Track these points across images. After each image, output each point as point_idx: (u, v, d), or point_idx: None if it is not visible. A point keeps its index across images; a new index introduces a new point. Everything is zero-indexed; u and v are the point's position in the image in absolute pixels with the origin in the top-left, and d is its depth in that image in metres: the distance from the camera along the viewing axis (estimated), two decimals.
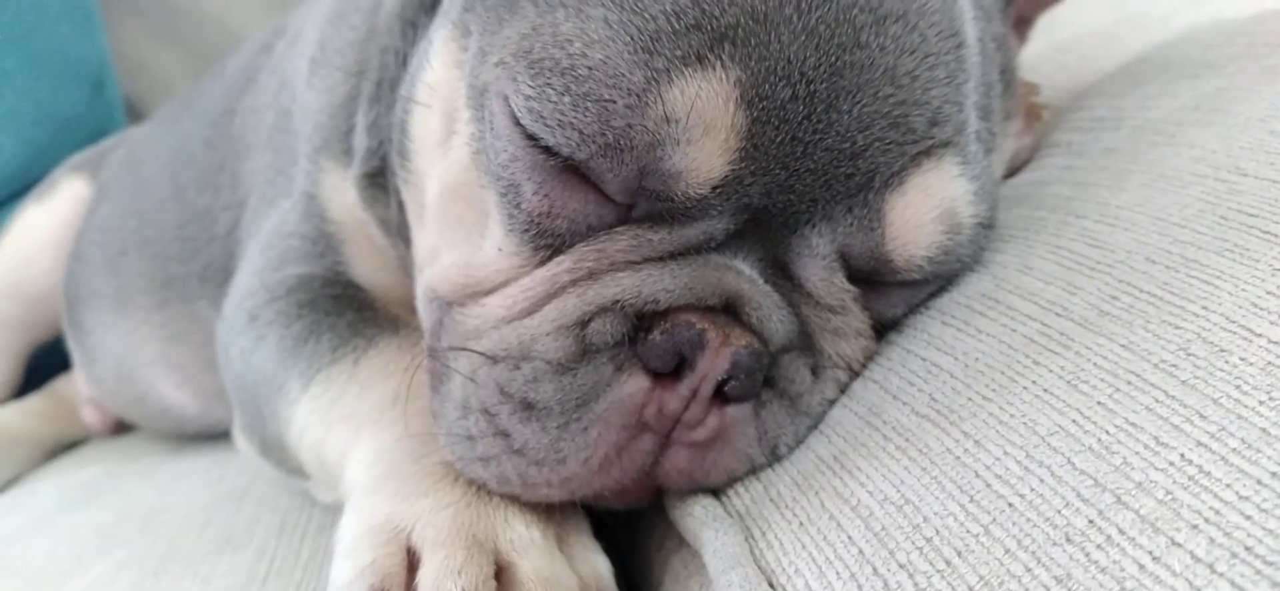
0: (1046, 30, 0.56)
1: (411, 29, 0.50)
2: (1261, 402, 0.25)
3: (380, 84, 0.51)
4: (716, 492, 0.38)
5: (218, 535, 0.55)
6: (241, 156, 0.67)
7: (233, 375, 0.55)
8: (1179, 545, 0.23)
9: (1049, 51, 0.63)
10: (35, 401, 1.02)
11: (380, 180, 0.51)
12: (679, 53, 0.34)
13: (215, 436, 0.79)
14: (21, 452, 0.94)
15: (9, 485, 0.91)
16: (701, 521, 0.36)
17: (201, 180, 0.71)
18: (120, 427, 0.98)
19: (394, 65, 0.50)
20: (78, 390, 0.98)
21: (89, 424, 0.98)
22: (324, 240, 0.54)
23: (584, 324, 0.35)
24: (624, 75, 0.34)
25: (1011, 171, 0.50)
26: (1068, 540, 0.25)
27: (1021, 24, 0.52)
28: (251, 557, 0.51)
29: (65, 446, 1.00)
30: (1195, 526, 0.23)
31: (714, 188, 0.35)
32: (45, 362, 1.03)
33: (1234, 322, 0.29)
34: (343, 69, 0.55)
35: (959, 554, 0.27)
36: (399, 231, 0.50)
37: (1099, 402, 0.29)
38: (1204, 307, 0.30)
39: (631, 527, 0.44)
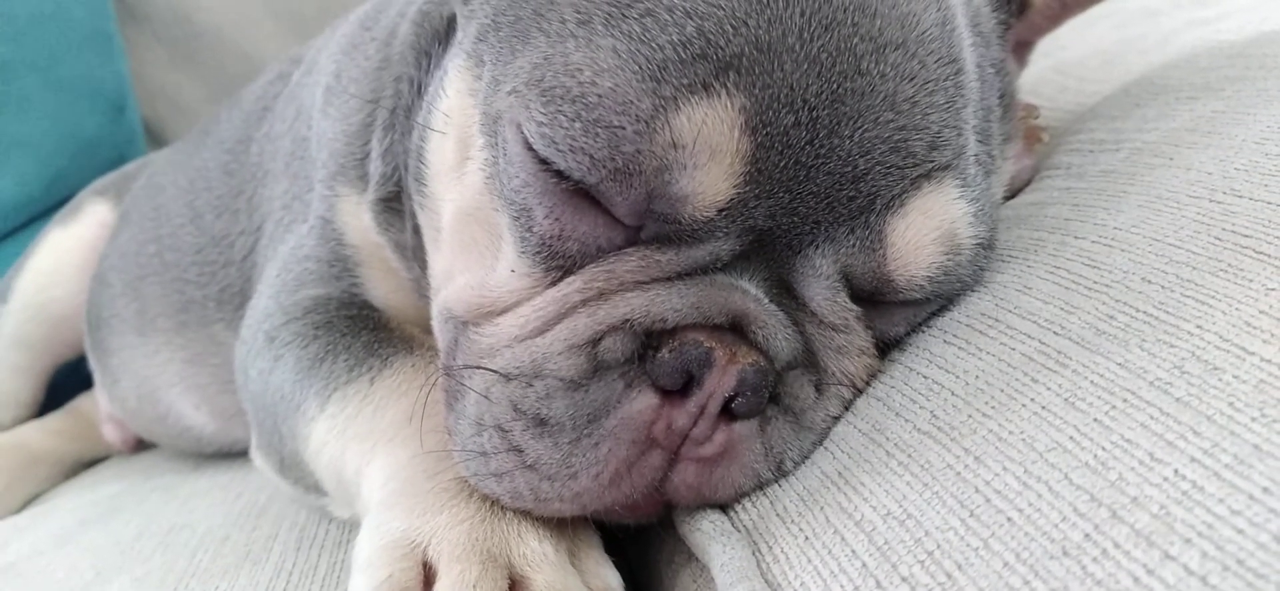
0: (1046, 54, 0.57)
1: (425, 58, 0.52)
2: (1254, 419, 0.26)
3: (395, 112, 0.53)
4: (724, 507, 0.38)
5: (236, 550, 0.56)
6: (259, 183, 0.69)
7: (251, 395, 0.56)
8: (1173, 558, 0.24)
9: (1049, 74, 0.64)
10: (56, 419, 1.03)
11: (395, 205, 0.52)
12: (686, 81, 0.35)
13: (234, 455, 0.80)
14: (43, 470, 0.96)
15: (30, 502, 0.92)
16: (710, 536, 0.36)
17: (219, 206, 0.73)
18: (140, 445, 1.00)
19: (408, 93, 0.52)
20: (98, 408, 1.00)
21: (109, 441, 1.00)
22: (340, 263, 0.55)
23: (595, 342, 0.36)
24: (633, 103, 0.35)
25: (1012, 193, 0.50)
26: (1065, 553, 0.26)
27: (1021, 48, 0.53)
28: (270, 572, 0.52)
29: (86, 464, 1.01)
30: (1189, 540, 0.24)
31: (720, 210, 0.36)
32: (66, 381, 1.05)
33: (1228, 341, 0.29)
34: (358, 97, 0.56)
35: (959, 567, 0.28)
36: (414, 254, 0.51)
37: (1095, 419, 0.29)
38: (1199, 327, 0.31)
39: (641, 543, 0.45)
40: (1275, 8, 0.59)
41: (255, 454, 0.58)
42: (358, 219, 0.54)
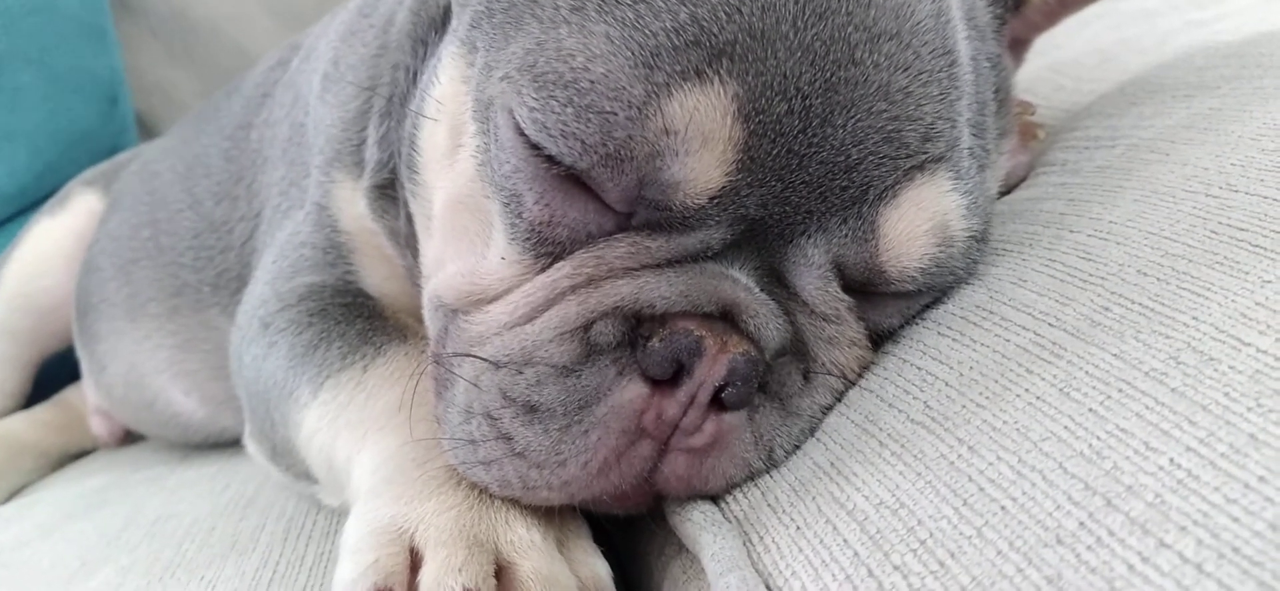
0: (1043, 52, 0.57)
1: (421, 46, 0.51)
2: (1249, 409, 0.26)
3: (391, 99, 0.52)
4: (715, 498, 0.38)
5: (223, 541, 0.56)
6: (258, 169, 0.69)
7: (245, 381, 0.56)
8: (1168, 546, 0.24)
9: (1045, 72, 0.64)
10: (43, 411, 1.03)
11: (390, 192, 0.52)
12: (678, 68, 0.35)
13: (221, 445, 0.80)
14: (29, 462, 0.95)
15: (16, 493, 0.92)
16: (700, 526, 0.36)
17: (219, 192, 0.73)
18: (128, 438, 0.99)
19: (404, 81, 0.52)
20: (86, 400, 0.99)
21: (97, 434, 0.99)
22: (335, 250, 0.55)
23: (587, 328, 0.36)
24: (625, 89, 0.35)
25: (1008, 189, 0.50)
26: (1059, 541, 0.26)
27: (1018, 45, 0.53)
28: (257, 562, 0.51)
29: (72, 456, 1.01)
30: (1183, 528, 0.24)
31: (711, 198, 0.36)
32: (55, 373, 1.04)
33: (1223, 332, 0.29)
34: (355, 84, 0.56)
35: (952, 555, 0.28)
36: (407, 242, 0.51)
37: (1090, 409, 0.29)
38: (1194, 318, 0.31)
39: (631, 534, 0.45)
40: (1272, 9, 0.59)
41: (248, 440, 0.58)
42: (353, 205, 0.54)
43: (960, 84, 0.40)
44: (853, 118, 0.36)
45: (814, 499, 0.34)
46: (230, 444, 0.77)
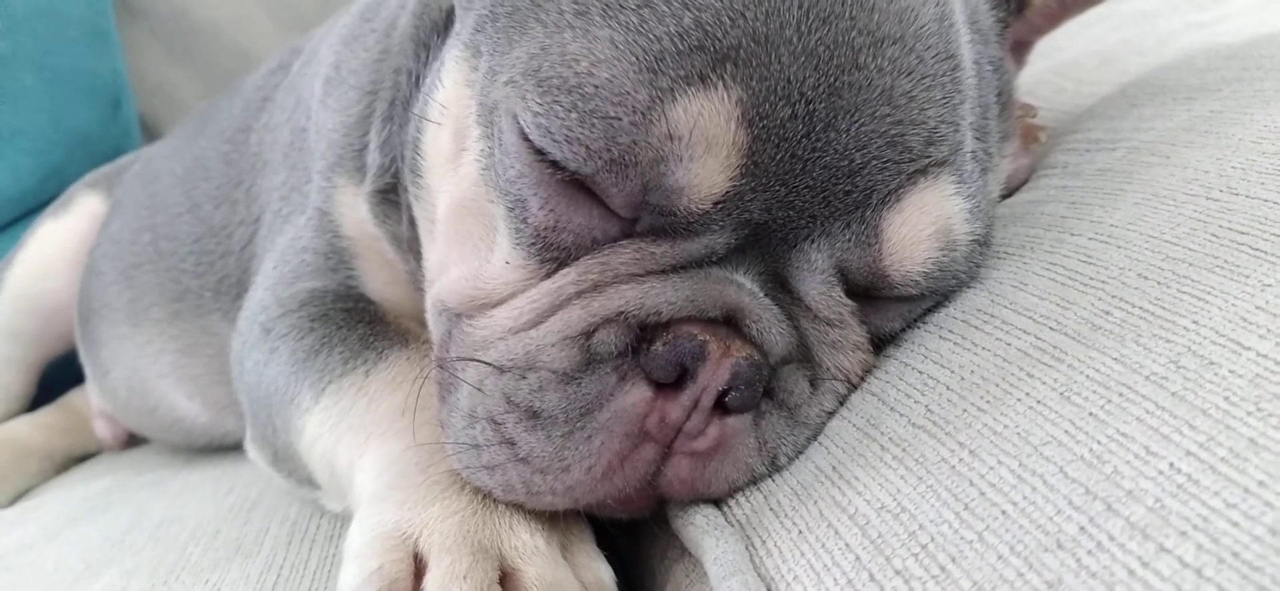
0: (1043, 55, 0.57)
1: (424, 50, 0.52)
2: (1249, 413, 0.26)
3: (393, 103, 0.52)
4: (717, 502, 0.38)
5: (227, 544, 0.56)
6: (258, 173, 0.69)
7: (246, 386, 0.56)
8: (1168, 551, 0.24)
9: (1047, 75, 0.64)
10: (47, 414, 1.03)
11: (392, 196, 0.52)
12: (682, 72, 0.35)
13: (225, 449, 0.80)
14: (33, 465, 0.95)
15: (20, 496, 0.92)
16: (703, 530, 0.36)
17: (218, 196, 0.73)
18: (132, 441, 0.99)
19: (407, 85, 0.52)
20: (90, 403, 0.99)
21: (101, 437, 0.99)
22: (336, 255, 0.55)
23: (589, 334, 0.36)
24: (629, 94, 0.35)
25: (1009, 191, 0.50)
26: (1059, 546, 0.26)
27: (1020, 48, 0.53)
28: (261, 566, 0.51)
29: (77, 459, 1.01)
30: (1184, 533, 0.24)
31: (715, 203, 0.36)
32: (58, 376, 1.04)
33: (1223, 336, 0.29)
34: (357, 88, 0.56)
35: (953, 560, 0.28)
36: (410, 246, 0.51)
37: (1090, 413, 0.29)
38: (1194, 322, 0.31)
39: (635, 538, 0.45)
40: (1272, 10, 0.59)
41: (249, 446, 0.58)
42: (355, 210, 0.54)
43: (963, 88, 0.40)
44: (856, 122, 0.36)
45: (816, 503, 0.35)
46: (234, 447, 0.77)
